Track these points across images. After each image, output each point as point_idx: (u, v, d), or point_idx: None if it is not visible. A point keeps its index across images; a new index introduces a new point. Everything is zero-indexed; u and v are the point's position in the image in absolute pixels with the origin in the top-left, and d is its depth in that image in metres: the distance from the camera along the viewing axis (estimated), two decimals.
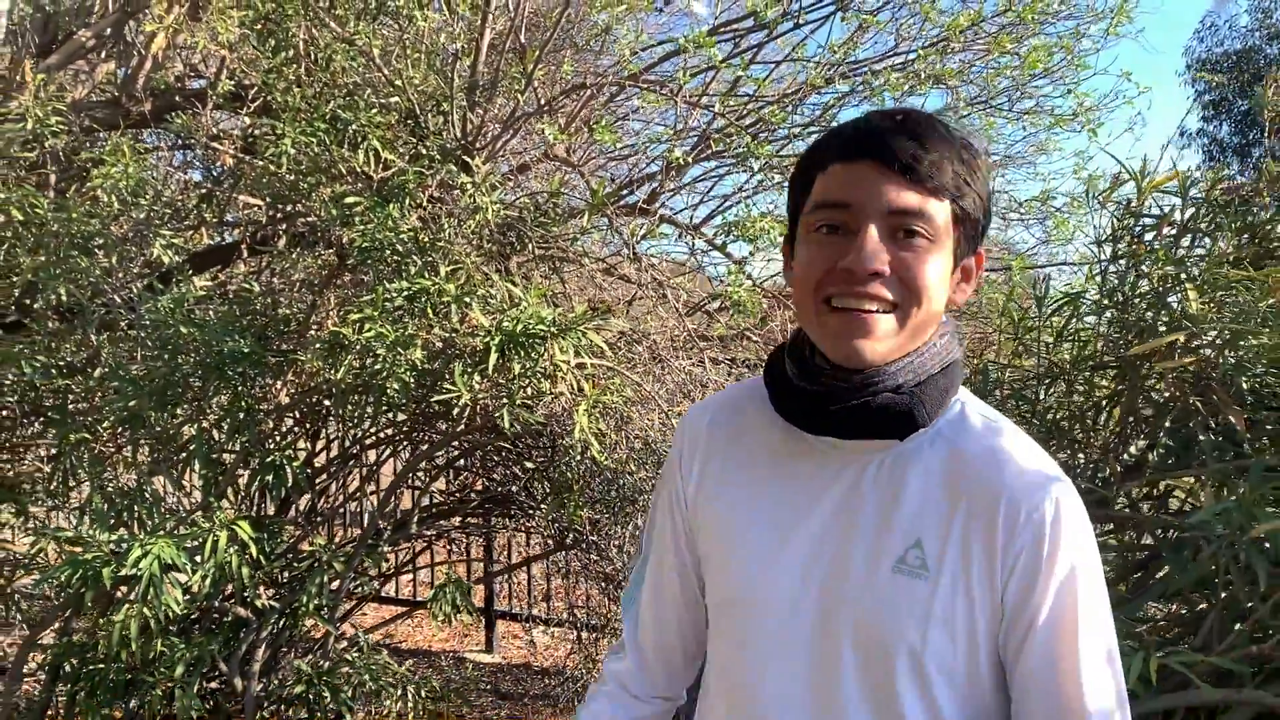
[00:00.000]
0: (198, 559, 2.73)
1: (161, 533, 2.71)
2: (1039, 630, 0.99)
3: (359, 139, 2.78)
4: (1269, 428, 2.08)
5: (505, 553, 4.70)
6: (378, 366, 2.56)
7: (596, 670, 4.25)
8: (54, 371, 3.23)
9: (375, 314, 2.55)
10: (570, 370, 2.52)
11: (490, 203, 2.67)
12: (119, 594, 2.95)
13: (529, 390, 2.56)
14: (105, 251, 3.32)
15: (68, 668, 3.06)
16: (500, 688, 5.50)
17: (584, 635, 4.52)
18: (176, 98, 3.49)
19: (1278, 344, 1.74)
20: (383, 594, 5.70)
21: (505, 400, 2.51)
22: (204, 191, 3.43)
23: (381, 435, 3.27)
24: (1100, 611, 1.02)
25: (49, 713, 3.14)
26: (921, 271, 1.00)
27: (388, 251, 2.74)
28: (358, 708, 3.37)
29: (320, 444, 3.34)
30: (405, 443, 3.23)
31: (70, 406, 3.37)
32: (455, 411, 2.61)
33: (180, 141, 3.69)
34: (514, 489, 3.38)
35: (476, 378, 2.52)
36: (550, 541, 3.60)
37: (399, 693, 3.42)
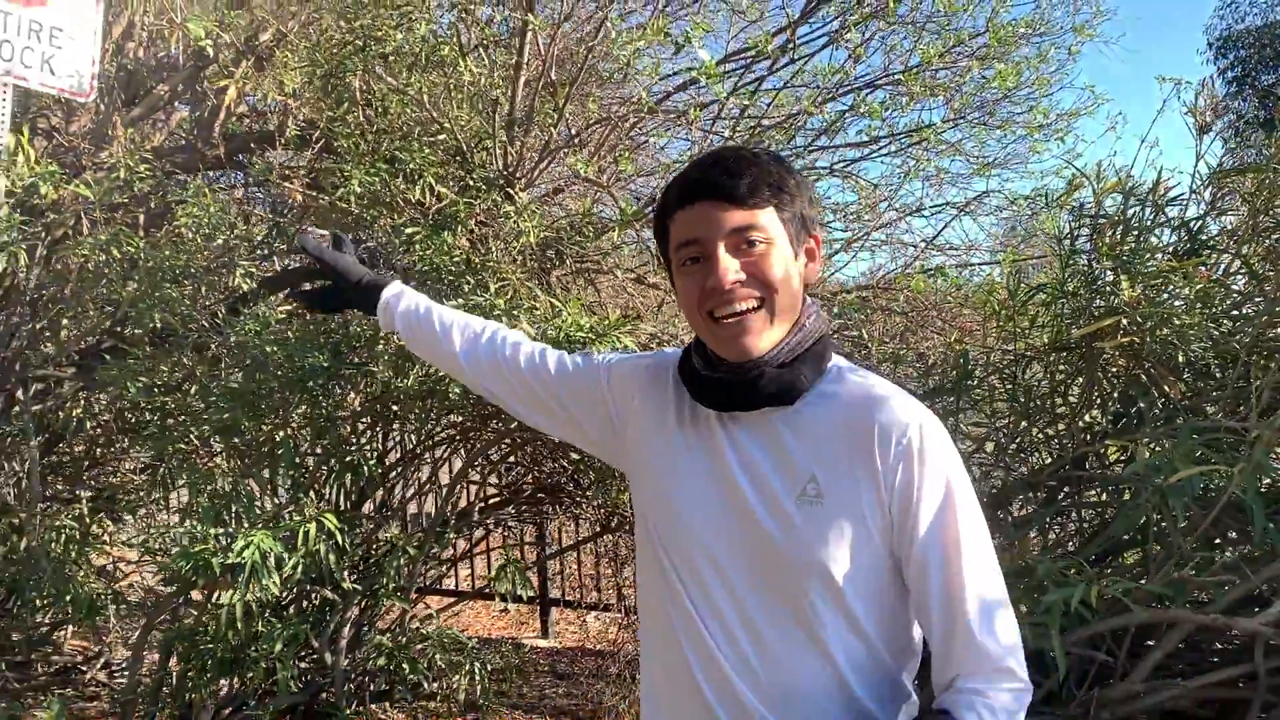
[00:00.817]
0: (291, 548, 3.14)
1: (259, 527, 3.12)
2: (924, 532, 1.24)
3: (415, 176, 3.18)
4: (1213, 395, 2.42)
5: (556, 541, 5.08)
6: (441, 373, 2.96)
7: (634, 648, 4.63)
8: (154, 390, 3.66)
9: None
10: None
11: (531, 227, 3.05)
12: (223, 582, 3.38)
13: None
14: (192, 282, 3.75)
15: (179, 650, 3.50)
16: (557, 668, 5.90)
17: (632, 616, 4.90)
18: (252, 144, 3.92)
19: (1198, 323, 2.08)
20: (443, 587, 6.13)
21: None
22: (273, 223, 3.85)
23: (442, 436, 3.67)
24: (973, 513, 1.26)
25: (163, 690, 3.57)
26: (769, 268, 1.28)
27: (444, 273, 3.14)
28: (431, 680, 3.78)
29: (390, 445, 3.74)
30: (463, 442, 3.63)
31: (168, 421, 3.81)
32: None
33: (251, 180, 4.12)
34: (562, 479, 3.77)
35: None
36: (598, 526, 3.98)
37: (467, 667, 3.83)
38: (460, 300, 3.06)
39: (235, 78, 3.84)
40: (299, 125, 3.77)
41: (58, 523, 4.10)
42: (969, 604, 1.23)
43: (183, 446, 3.69)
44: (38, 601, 4.50)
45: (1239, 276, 2.46)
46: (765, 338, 1.29)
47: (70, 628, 5.05)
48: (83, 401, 4.28)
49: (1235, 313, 2.43)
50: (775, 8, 3.67)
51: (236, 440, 3.46)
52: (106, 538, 4.68)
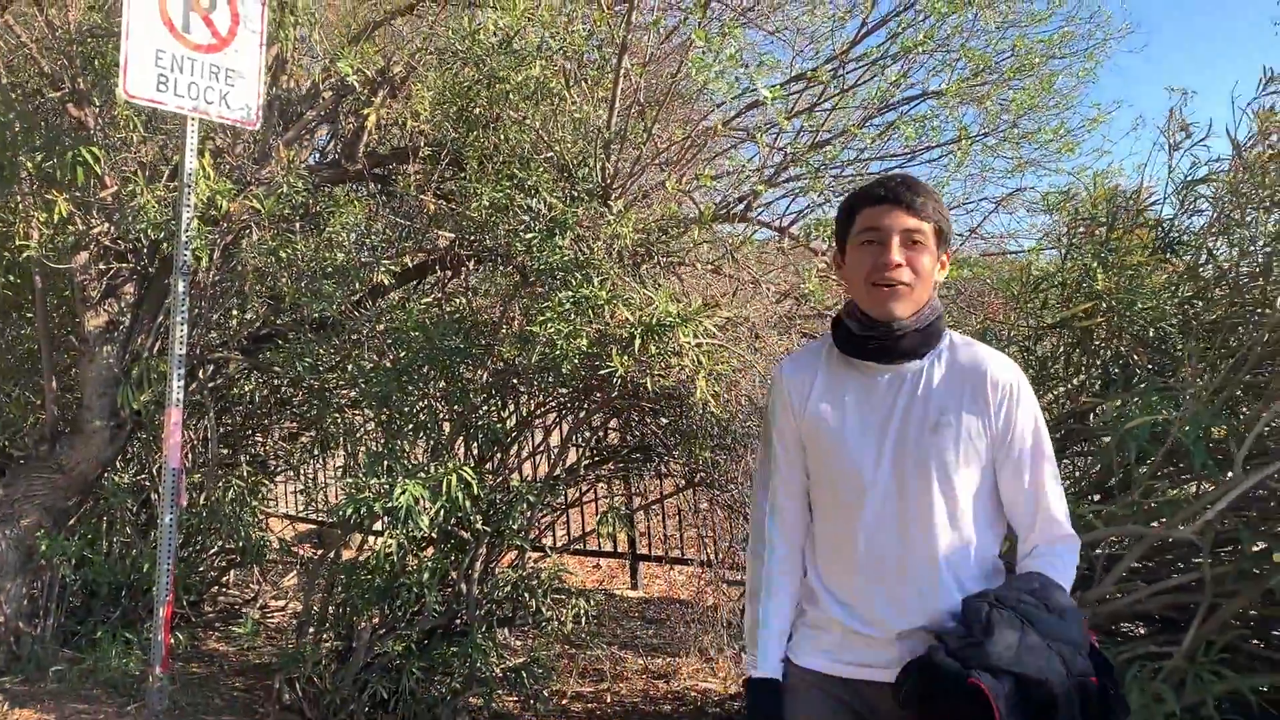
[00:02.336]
0: (436, 496, 3.86)
1: (410, 478, 3.86)
2: (1018, 450, 1.82)
3: (533, 190, 3.88)
4: (1174, 362, 2.99)
5: (644, 500, 5.76)
6: (556, 353, 3.65)
7: (728, 594, 5.29)
8: (317, 368, 4.44)
9: (554, 315, 3.65)
10: (691, 348, 3.56)
11: (627, 230, 3.72)
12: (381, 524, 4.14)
13: (664, 364, 3.61)
14: (344, 277, 4.51)
15: (342, 581, 4.27)
16: (646, 614, 6.62)
17: (715, 569, 5.57)
18: (389, 161, 4.66)
19: (1154, 306, 2.67)
20: (543, 544, 6.90)
21: (648, 372, 3.57)
22: (405, 227, 4.59)
23: (553, 404, 4.38)
24: (1047, 439, 1.87)
25: (329, 613, 4.36)
26: (921, 263, 1.82)
27: (556, 269, 3.83)
28: (545, 613, 4.50)
29: (508, 412, 4.46)
30: (571, 409, 4.33)
31: (326, 394, 4.59)
32: (612, 383, 3.70)
33: (389, 190, 4.87)
34: (652, 441, 4.45)
35: (625, 358, 3.58)
36: (683, 481, 4.65)
37: (573, 604, 4.55)
38: (570, 292, 3.75)
39: (375, 106, 4.58)
40: (430, 146, 4.49)
41: (230, 481, 4.92)
42: (1048, 497, 1.84)
43: (340, 415, 4.47)
44: (214, 547, 5.35)
45: (1208, 266, 3.02)
46: (907, 307, 1.82)
47: (233, 572, 5.92)
48: (251, 380, 5.08)
49: (1206, 294, 2.99)
50: (829, 32, 4.25)
51: (387, 409, 4.21)
52: (266, 495, 5.51)
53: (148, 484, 5.21)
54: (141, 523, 5.14)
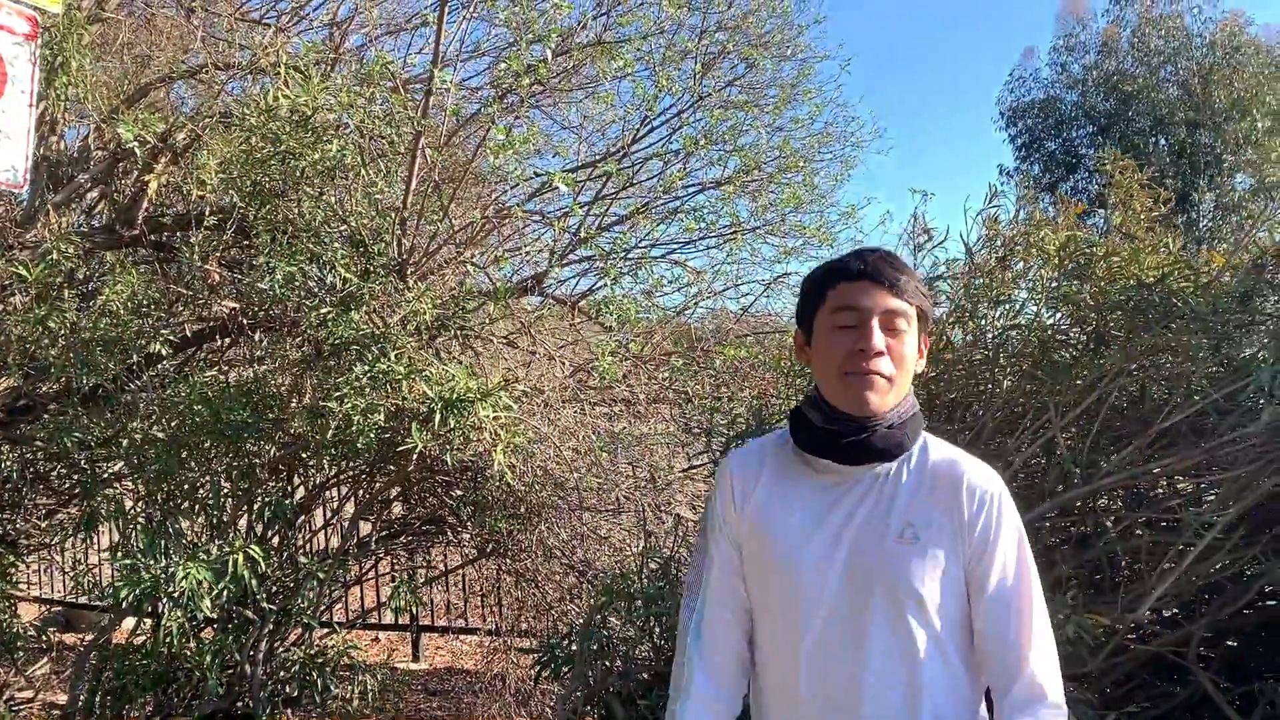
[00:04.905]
0: (221, 576, 3.75)
1: (194, 558, 3.73)
2: (996, 584, 1.52)
3: (328, 265, 3.90)
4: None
5: (429, 571, 5.75)
6: (353, 428, 3.67)
7: (516, 662, 5.34)
8: (87, 443, 4.21)
9: (350, 391, 3.67)
10: (490, 422, 3.68)
11: (427, 306, 3.81)
12: (157, 607, 3.95)
13: (462, 439, 3.70)
14: (119, 346, 4.31)
15: (113, 667, 4.04)
16: (428, 686, 6.54)
17: (496, 639, 5.63)
18: (175, 230, 4.54)
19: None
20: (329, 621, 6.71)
21: (447, 446, 3.65)
22: (186, 296, 4.47)
23: (343, 479, 4.35)
24: (1032, 565, 1.56)
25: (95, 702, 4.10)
26: (904, 351, 1.55)
27: (351, 345, 3.85)
28: (331, 691, 4.42)
29: (295, 486, 4.39)
30: (359, 485, 4.33)
31: (96, 468, 4.35)
32: (408, 457, 3.74)
33: (169, 257, 4.72)
34: (444, 513, 4.50)
35: (424, 433, 3.64)
36: (474, 551, 4.72)
37: (359, 679, 4.50)
38: (366, 366, 3.78)
39: (156, 172, 4.46)
40: (215, 214, 4.41)
41: None
42: (1034, 650, 1.51)
43: (109, 491, 4.25)
44: None
45: (947, 351, 3.45)
46: (884, 400, 1.54)
47: None
48: (4, 454, 4.73)
49: (946, 375, 3.40)
50: (619, 119, 4.54)
51: (165, 485, 4.05)
52: (13, 578, 5.10)
53: None
54: None
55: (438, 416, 3.60)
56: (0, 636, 4.65)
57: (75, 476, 4.49)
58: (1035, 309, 2.92)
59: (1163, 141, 18.20)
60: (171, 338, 4.51)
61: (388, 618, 7.07)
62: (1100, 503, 2.83)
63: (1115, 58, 18.50)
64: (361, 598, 6.70)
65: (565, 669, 3.83)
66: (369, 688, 4.53)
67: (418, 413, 3.72)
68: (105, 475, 4.32)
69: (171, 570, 3.64)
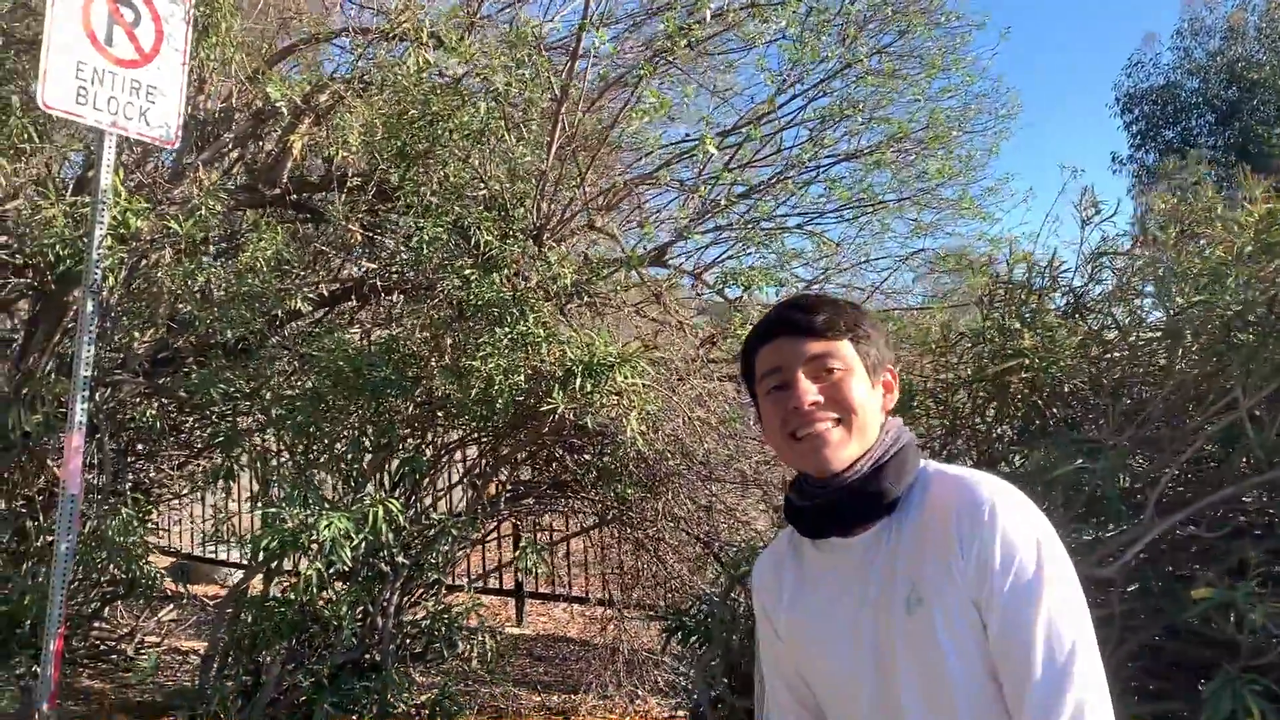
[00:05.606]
0: (360, 528, 3.82)
1: (336, 509, 3.81)
2: (1003, 607, 1.25)
3: (470, 227, 3.93)
4: (1090, 416, 3.29)
5: (551, 535, 5.80)
6: (494, 388, 3.70)
7: (628, 632, 5.36)
8: (232, 395, 4.32)
9: (493, 351, 3.70)
10: (628, 388, 3.68)
11: (568, 272, 3.82)
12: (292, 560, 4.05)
13: (600, 403, 3.71)
14: (262, 302, 4.42)
15: (251, 615, 4.15)
16: (533, 652, 6.62)
17: (600, 608, 5.67)
18: (318, 190, 4.63)
19: (1076, 363, 2.94)
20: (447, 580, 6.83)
21: (587, 409, 3.66)
22: (328, 255, 4.56)
23: (473, 439, 4.40)
24: (1059, 592, 1.25)
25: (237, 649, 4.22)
26: (847, 391, 1.37)
27: (493, 307, 3.88)
28: (460, 644, 4.48)
29: (428, 444, 4.46)
30: (491, 446, 4.36)
31: (238, 421, 4.48)
32: (543, 419, 3.77)
33: (312, 218, 4.82)
34: (567, 478, 4.52)
35: (563, 395, 3.66)
36: (595, 518, 4.73)
37: (481, 636, 4.55)
38: (507, 328, 3.81)
39: (300, 133, 4.54)
40: (357, 176, 4.48)
41: (118, 509, 4.72)
42: (1065, 688, 1.22)
43: (251, 443, 4.37)
44: (92, 579, 5.10)
45: (1111, 329, 3.34)
46: (843, 453, 1.37)
47: (110, 606, 5.63)
48: (149, 404, 4.89)
49: (1109, 355, 3.30)
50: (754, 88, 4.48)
51: (305, 438, 4.14)
52: (151, 527, 5.29)
53: (23, 510, 4.94)
54: (14, 551, 4.87)
55: (578, 379, 3.61)
56: (136, 582, 4.82)
57: (209, 428, 4.61)
58: (1217, 287, 2.80)
59: None
60: (311, 295, 4.62)
61: (506, 581, 7.16)
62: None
63: (1242, 44, 17.74)
64: (483, 560, 6.80)
65: (693, 638, 3.84)
66: (487, 647, 4.58)
67: (554, 375, 3.73)
68: (244, 428, 4.43)
69: (313, 520, 3.72)
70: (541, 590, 7.30)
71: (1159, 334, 3.10)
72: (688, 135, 4.30)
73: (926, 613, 1.30)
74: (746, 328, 4.23)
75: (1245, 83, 17.35)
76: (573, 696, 5.65)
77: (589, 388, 3.68)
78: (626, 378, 3.65)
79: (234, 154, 5.24)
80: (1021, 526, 1.29)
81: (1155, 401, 2.95)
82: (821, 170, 4.36)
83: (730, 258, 4.74)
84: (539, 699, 5.60)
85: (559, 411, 3.66)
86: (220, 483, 4.80)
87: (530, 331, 3.79)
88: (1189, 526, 2.78)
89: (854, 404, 1.38)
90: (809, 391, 1.37)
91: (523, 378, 3.71)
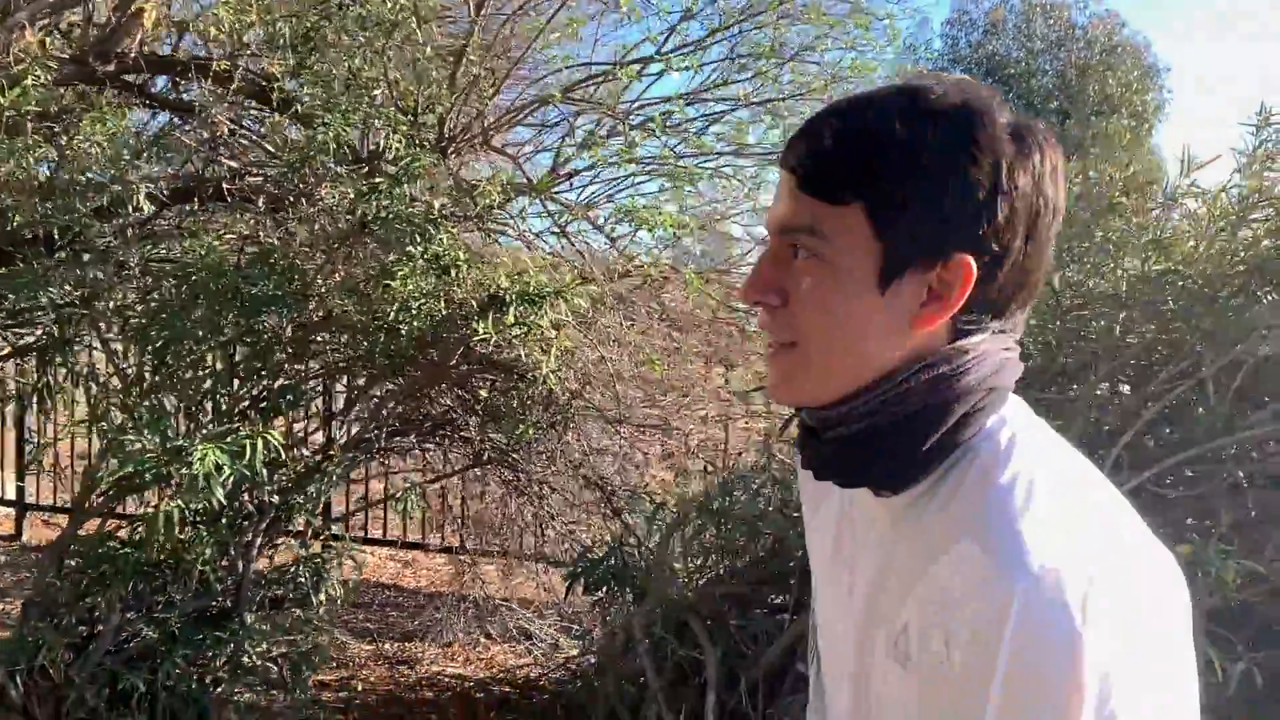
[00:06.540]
0: (235, 461, 3.36)
1: (209, 440, 3.33)
2: None
3: (383, 132, 3.52)
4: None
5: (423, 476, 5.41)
6: (410, 314, 3.34)
7: (475, 578, 5.10)
8: (58, 302, 3.66)
9: (410, 272, 3.33)
10: (558, 322, 3.43)
11: (495, 189, 3.50)
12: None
13: (525, 336, 3.43)
14: (98, 194, 3.78)
15: (86, 555, 3.57)
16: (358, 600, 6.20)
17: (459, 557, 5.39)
18: (166, 71, 3.99)
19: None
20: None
21: (512, 343, 3.38)
22: (193, 150, 3.96)
23: (359, 368, 3.99)
24: None
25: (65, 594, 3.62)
26: (809, 301, 0.82)
27: (404, 223, 3.49)
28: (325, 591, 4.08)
29: (309, 372, 4.00)
30: (381, 377, 3.96)
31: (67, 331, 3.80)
32: (449, 350, 3.46)
33: (150, 103, 4.16)
34: (453, 414, 4.20)
35: (486, 325, 3.35)
36: (470, 457, 4.43)
37: (329, 583, 4.18)
38: (422, 247, 3.44)
39: (153, 3, 3.89)
40: (227, 61, 3.90)
41: None
42: None
43: (86, 357, 3.75)
44: None
45: None
46: (795, 390, 0.88)
47: None
48: None
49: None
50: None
51: (163, 357, 3.58)
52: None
53: None
54: None
55: (510, 310, 3.32)
56: None
57: (51, 337, 3.89)
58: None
59: None
60: (157, 193, 3.99)
61: (392, 522, 6.59)
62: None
63: (1000, 39, 19.18)
64: (346, 502, 6.22)
65: (603, 586, 3.69)
66: (339, 595, 4.22)
67: (475, 304, 3.42)
68: (80, 341, 3.79)
69: (187, 450, 3.23)
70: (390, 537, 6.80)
71: None
72: (603, 62, 4.03)
73: (905, 678, 0.82)
74: (657, 269, 4.06)
75: (1001, 76, 18.79)
76: (405, 645, 5.35)
77: (522, 319, 3.39)
78: (560, 311, 3.40)
79: (56, 17, 4.43)
80: (1058, 660, 0.69)
81: (1115, 367, 3.06)
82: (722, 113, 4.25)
83: (622, 194, 4.53)
84: (372, 648, 5.25)
85: (473, 344, 3.36)
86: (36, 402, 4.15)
87: (447, 253, 3.44)
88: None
89: (803, 325, 0.84)
90: (754, 282, 0.86)
91: (443, 304, 3.37)
